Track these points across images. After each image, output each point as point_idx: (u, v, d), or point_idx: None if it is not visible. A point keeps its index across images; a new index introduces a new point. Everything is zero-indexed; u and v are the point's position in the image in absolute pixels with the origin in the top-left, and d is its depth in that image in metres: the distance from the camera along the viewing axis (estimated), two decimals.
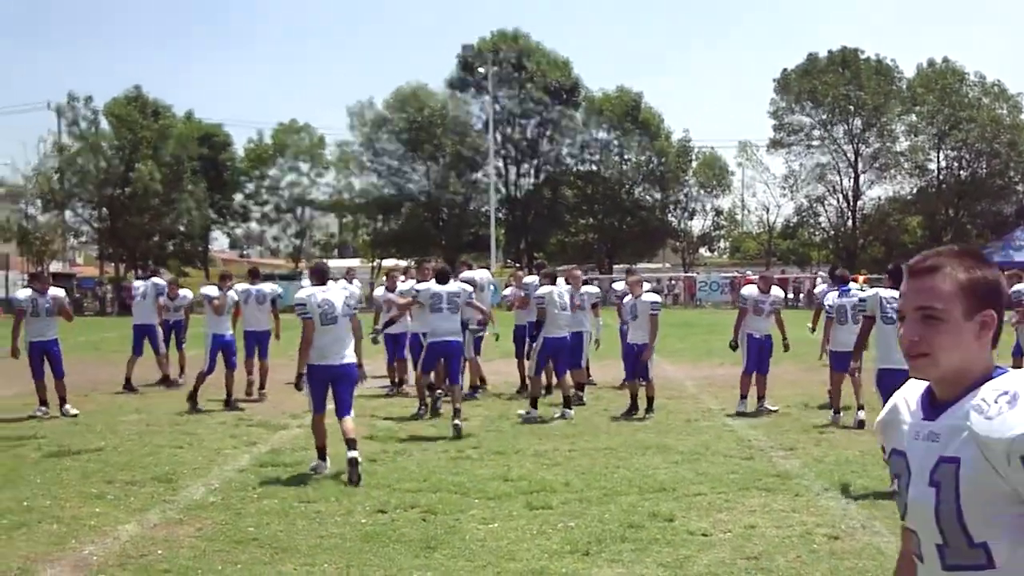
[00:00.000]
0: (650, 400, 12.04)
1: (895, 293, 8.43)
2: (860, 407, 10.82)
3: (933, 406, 2.08)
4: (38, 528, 6.83)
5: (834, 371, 11.49)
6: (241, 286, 14.16)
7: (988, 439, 1.87)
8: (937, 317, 2.01)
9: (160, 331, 15.70)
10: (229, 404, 12.92)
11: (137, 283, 16.68)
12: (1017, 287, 13.33)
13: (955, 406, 2.00)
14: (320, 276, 8.92)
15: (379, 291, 15.07)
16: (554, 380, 13.03)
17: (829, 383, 11.80)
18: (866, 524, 6.74)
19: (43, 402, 12.44)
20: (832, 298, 11.98)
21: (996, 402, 1.90)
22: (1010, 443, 1.83)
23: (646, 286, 12.61)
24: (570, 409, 11.98)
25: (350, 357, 8.63)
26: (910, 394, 2.18)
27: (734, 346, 12.64)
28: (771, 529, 6.65)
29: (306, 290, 8.76)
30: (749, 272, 45.32)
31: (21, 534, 6.68)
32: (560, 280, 12.84)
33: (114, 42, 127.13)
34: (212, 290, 13.75)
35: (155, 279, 16.32)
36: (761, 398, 12.21)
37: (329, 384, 8.54)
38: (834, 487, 7.90)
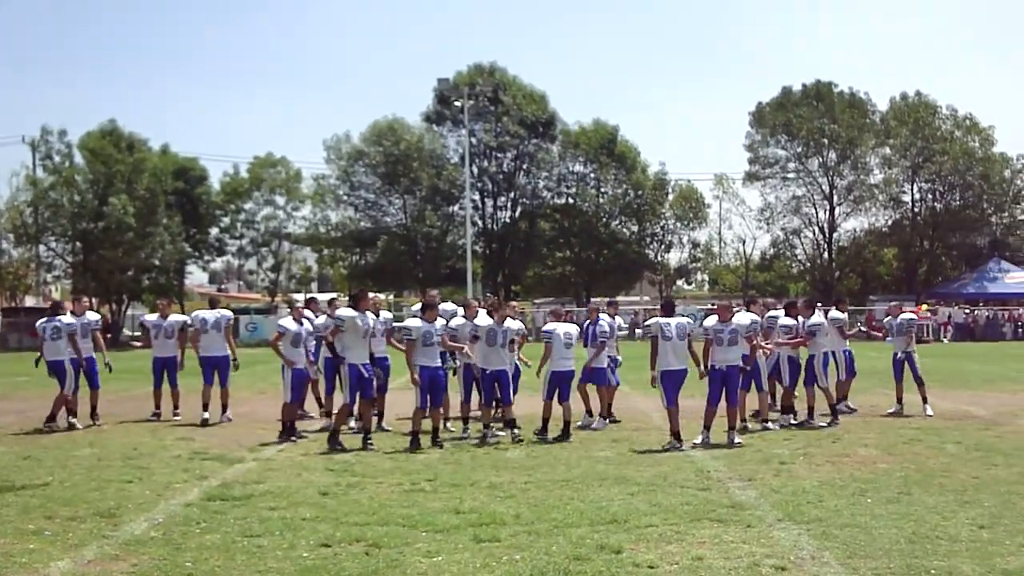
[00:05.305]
0: (566, 424, 12.84)
1: (669, 320, 11.92)
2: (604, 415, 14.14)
3: None
4: None
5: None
6: (200, 313, 14.83)
7: None
8: None
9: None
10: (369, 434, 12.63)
11: (150, 317, 15.80)
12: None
13: None
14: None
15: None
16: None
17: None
18: (815, 555, 6.62)
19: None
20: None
21: None
22: None
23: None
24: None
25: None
26: None
27: (703, 375, 12.52)
28: (719, 560, 6.51)
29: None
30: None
31: None
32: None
33: (90, 76, 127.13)
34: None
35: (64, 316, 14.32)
36: (731, 428, 12.08)
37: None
38: (788, 518, 7.78)
